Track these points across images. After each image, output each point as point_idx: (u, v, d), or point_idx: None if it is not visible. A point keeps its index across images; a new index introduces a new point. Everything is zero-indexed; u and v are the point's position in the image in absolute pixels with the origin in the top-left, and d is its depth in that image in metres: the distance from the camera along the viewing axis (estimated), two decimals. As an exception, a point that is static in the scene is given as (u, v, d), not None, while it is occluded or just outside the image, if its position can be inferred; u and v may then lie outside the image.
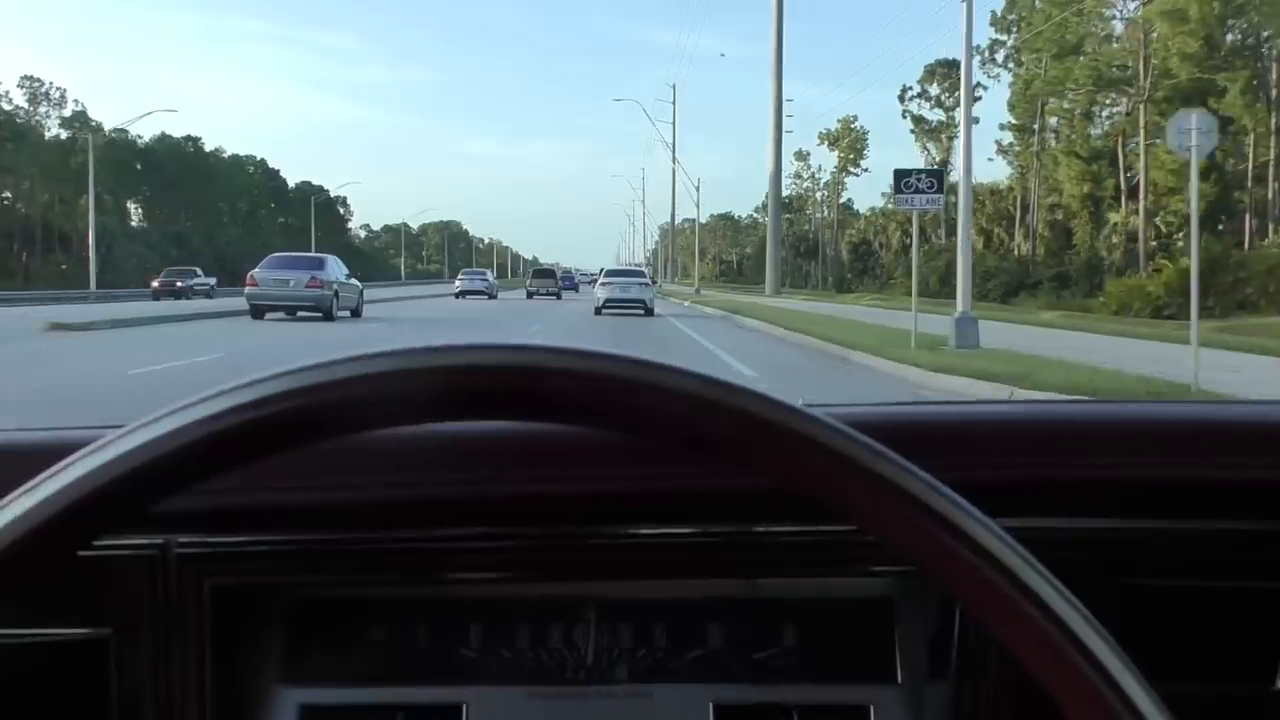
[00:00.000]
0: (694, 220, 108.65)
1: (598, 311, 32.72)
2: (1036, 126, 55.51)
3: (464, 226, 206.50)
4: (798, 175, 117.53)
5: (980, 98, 71.21)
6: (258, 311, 25.87)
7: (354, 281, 28.19)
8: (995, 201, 61.04)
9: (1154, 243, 45.68)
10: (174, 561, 0.80)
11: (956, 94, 71.68)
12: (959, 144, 18.33)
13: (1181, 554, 0.84)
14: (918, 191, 16.62)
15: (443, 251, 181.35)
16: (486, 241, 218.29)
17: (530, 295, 51.06)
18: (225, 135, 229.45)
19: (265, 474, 0.77)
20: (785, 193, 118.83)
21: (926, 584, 0.85)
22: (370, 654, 0.86)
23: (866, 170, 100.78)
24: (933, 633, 0.85)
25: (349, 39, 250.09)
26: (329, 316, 25.44)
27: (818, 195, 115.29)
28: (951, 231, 69.36)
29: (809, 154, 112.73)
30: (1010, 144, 60.27)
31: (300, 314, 25.54)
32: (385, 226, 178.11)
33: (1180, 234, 44.43)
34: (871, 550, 0.83)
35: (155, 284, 49.24)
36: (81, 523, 0.43)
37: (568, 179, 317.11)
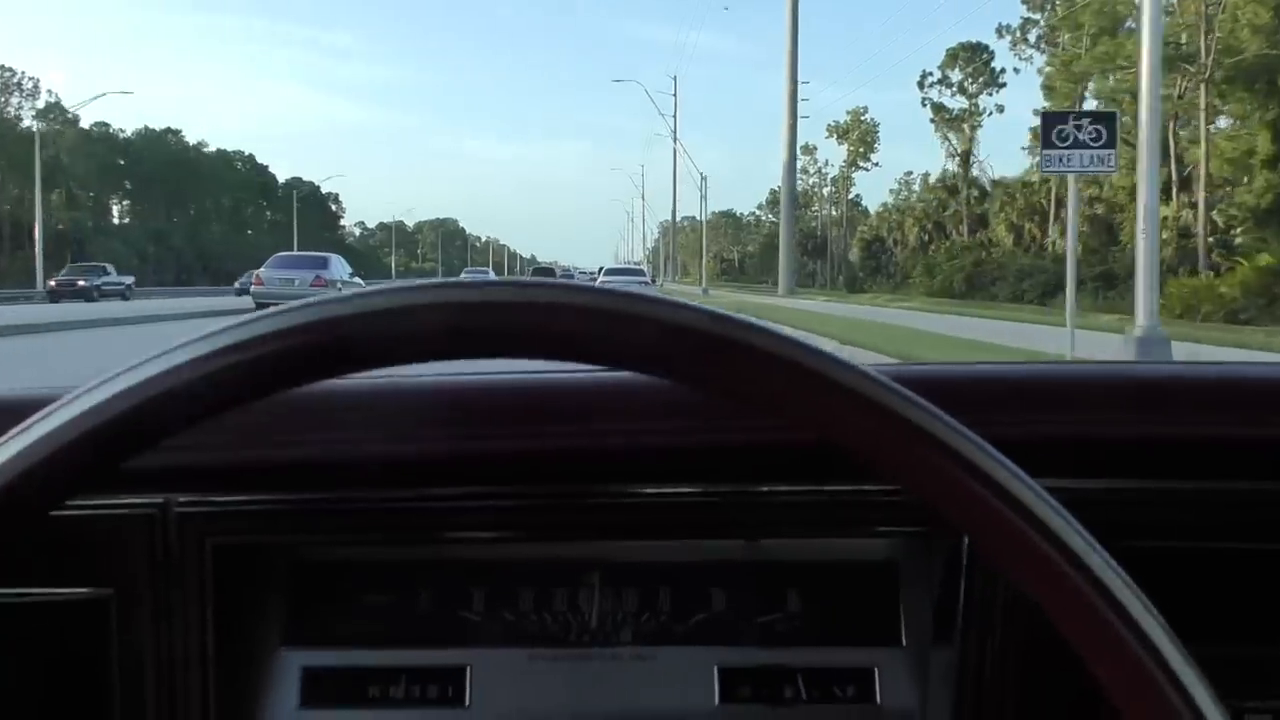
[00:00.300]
0: (694, 218, 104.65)
1: None
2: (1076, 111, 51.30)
3: (460, 224, 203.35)
4: (804, 170, 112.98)
5: (1005, 84, 66.91)
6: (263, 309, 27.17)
7: (357, 280, 28.81)
8: (1026, 195, 56.65)
9: (1210, 239, 41.43)
10: (174, 521, 0.80)
11: (981, 79, 67.42)
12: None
13: (1183, 516, 0.84)
14: (1077, 146, 10.99)
15: (438, 249, 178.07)
16: (484, 239, 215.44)
17: None
18: (222, 134, 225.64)
19: (267, 430, 0.77)
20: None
21: (931, 546, 0.85)
22: (373, 616, 0.86)
23: (877, 165, 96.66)
24: (937, 595, 0.85)
25: (348, 37, 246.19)
26: None
27: (824, 191, 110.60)
28: (976, 228, 64.63)
29: (815, 148, 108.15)
30: (1043, 132, 56.13)
31: None
32: (380, 224, 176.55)
33: (1241, 229, 40.22)
34: (876, 511, 0.82)
35: (52, 283, 44.30)
36: (62, 473, 0.41)
37: (566, 177, 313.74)
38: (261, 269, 27.50)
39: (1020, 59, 63.99)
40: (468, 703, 0.83)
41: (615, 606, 0.86)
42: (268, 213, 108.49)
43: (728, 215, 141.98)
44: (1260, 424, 0.83)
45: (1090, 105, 50.81)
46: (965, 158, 64.96)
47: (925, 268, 58.06)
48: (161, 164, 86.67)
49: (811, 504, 0.81)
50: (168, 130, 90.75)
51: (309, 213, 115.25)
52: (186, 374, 0.41)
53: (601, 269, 42.68)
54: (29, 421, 0.41)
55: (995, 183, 62.82)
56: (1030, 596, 0.40)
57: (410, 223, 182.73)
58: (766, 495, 0.82)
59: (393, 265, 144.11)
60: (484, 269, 68.25)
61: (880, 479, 0.42)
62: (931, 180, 73.40)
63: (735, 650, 0.85)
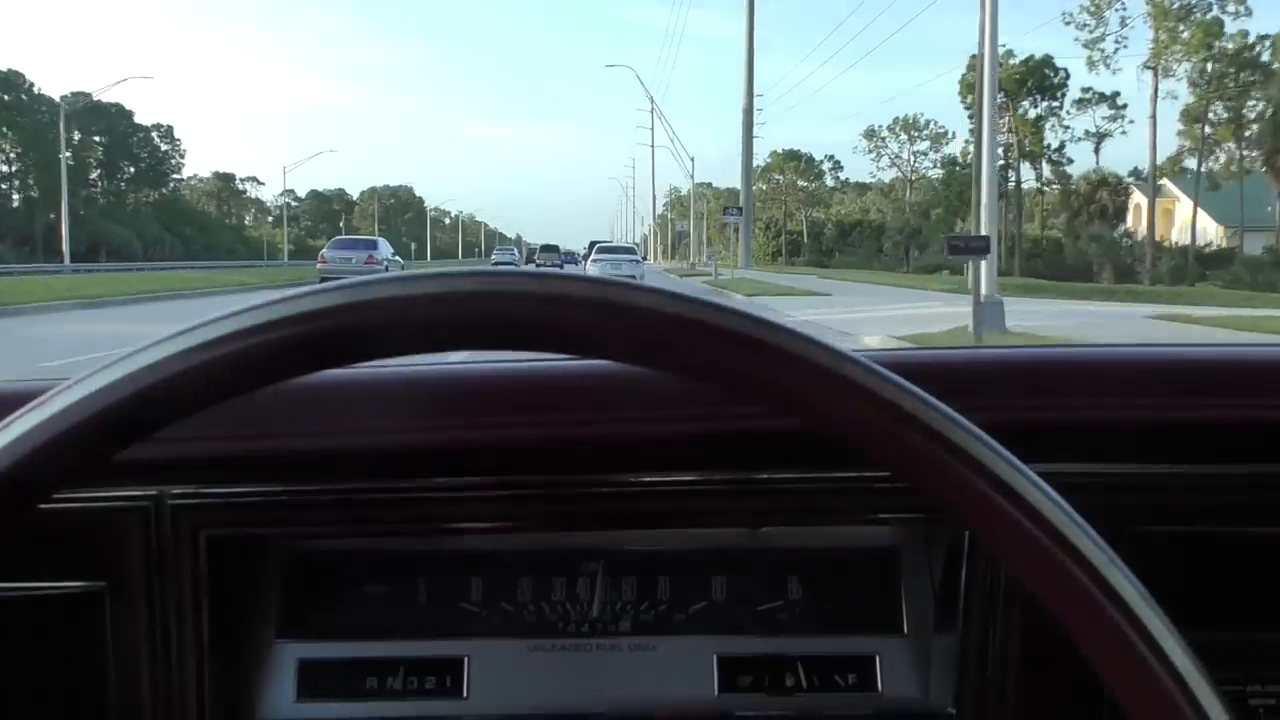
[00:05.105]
0: (710, 183, 49.33)
1: None
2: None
3: (416, 193, 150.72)
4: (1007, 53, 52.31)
5: None
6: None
7: (397, 259, 36.16)
8: None
9: None
10: (168, 513, 0.79)
11: None
12: None
13: (1192, 499, 0.82)
14: None
15: (385, 223, 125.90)
16: (454, 215, 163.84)
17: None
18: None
19: (261, 421, 0.76)
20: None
21: (933, 533, 0.85)
22: (370, 608, 0.86)
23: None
24: (939, 583, 0.84)
25: (338, 20, 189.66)
26: None
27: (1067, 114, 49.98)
28: None
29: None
30: None
31: None
32: (312, 191, 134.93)
33: None
34: (878, 498, 0.81)
35: None
36: (59, 460, 0.39)
37: (552, 153, 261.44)
38: (326, 249, 33.84)
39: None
40: (466, 694, 0.83)
41: (615, 596, 0.85)
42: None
43: (796, 157, 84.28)
44: (1261, 406, 0.82)
45: None
46: None
47: None
48: None
49: (812, 491, 0.81)
50: None
51: (122, 150, 73.52)
52: (180, 363, 0.39)
53: (593, 244, 44.04)
54: (21, 411, 0.40)
55: None
56: (1001, 588, 0.39)
57: (355, 192, 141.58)
58: (767, 483, 0.81)
59: (284, 240, 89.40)
60: (511, 248, 74.58)
61: (874, 466, 0.42)
62: None
63: (735, 639, 0.84)
